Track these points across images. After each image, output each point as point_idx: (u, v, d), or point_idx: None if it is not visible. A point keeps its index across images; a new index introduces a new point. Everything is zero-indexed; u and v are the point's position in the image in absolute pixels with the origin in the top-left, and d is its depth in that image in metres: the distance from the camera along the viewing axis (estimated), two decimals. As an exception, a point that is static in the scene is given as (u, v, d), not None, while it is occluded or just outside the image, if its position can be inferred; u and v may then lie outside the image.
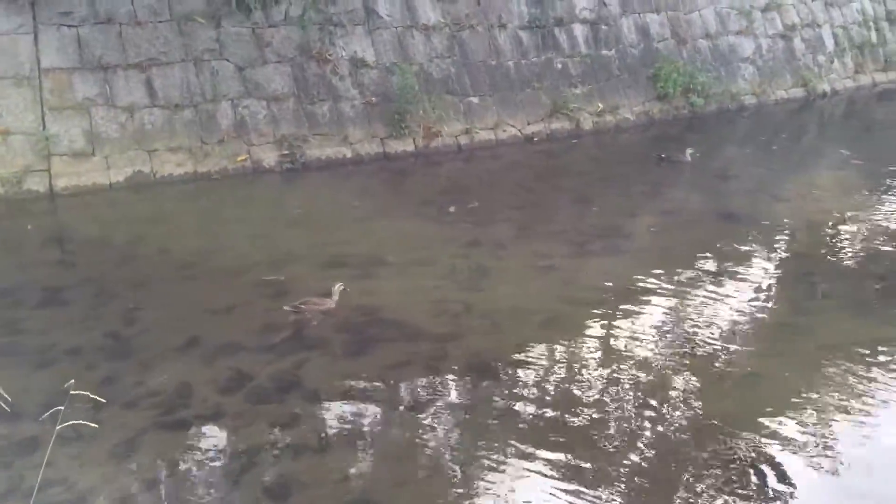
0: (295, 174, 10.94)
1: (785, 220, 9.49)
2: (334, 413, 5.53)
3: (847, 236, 9.01)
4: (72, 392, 3.42)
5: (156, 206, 9.78)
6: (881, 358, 6.25)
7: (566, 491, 4.70)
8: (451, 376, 5.98)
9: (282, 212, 9.87)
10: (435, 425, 5.39)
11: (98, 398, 3.78)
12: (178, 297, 7.27)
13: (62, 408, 3.47)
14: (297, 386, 5.81)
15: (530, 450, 5.08)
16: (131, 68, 10.49)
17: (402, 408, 5.59)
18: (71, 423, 3.55)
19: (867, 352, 6.33)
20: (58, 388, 5.60)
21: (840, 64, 17.57)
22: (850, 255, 8.51)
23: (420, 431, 5.33)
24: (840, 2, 17.98)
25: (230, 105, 10.96)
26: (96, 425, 4.12)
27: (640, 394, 5.77)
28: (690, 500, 4.67)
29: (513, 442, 5.17)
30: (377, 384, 5.84)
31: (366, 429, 5.38)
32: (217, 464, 4.97)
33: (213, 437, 5.24)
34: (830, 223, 9.40)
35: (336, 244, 8.49)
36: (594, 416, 5.49)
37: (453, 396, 5.75)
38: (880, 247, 8.62)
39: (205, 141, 10.70)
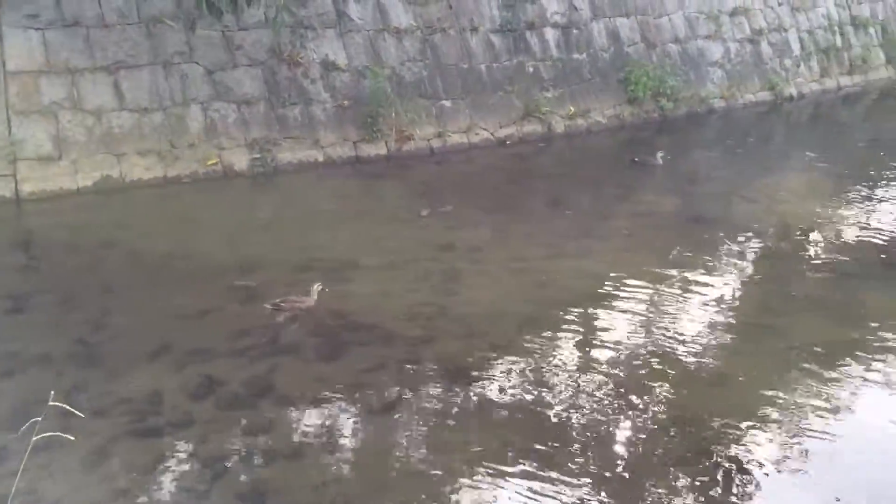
0: (266, 178, 10.86)
1: (753, 222, 9.62)
2: (308, 418, 5.49)
3: (814, 238, 9.16)
4: (50, 403, 3.37)
5: (125, 211, 9.64)
6: (847, 358, 6.36)
7: (540, 492, 4.71)
8: (425, 379, 5.97)
9: (253, 216, 9.79)
10: (409, 429, 5.38)
11: (75, 411, 3.74)
12: (148, 302, 7.18)
13: (39, 419, 3.42)
14: (269, 391, 5.76)
15: (505, 451, 5.09)
16: (99, 71, 10.35)
17: (376, 412, 5.56)
18: (48, 434, 3.50)
19: (834, 352, 6.44)
20: (26, 397, 5.54)
21: (806, 68, 17.88)
22: (817, 256, 8.65)
23: (394, 435, 5.31)
24: (806, 6, 18.29)
25: (200, 108, 10.85)
26: (72, 437, 4.04)
27: (612, 394, 5.81)
28: (662, 500, 4.71)
29: (488, 444, 5.17)
30: (351, 388, 5.82)
31: (340, 433, 5.35)
32: (190, 471, 4.90)
33: (186, 444, 5.17)
34: (798, 225, 9.54)
35: (308, 248, 8.44)
36: (568, 416, 5.52)
37: (428, 400, 5.74)
38: (846, 248, 8.77)
39: (174, 145, 10.58)
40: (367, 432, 5.39)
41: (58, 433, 3.73)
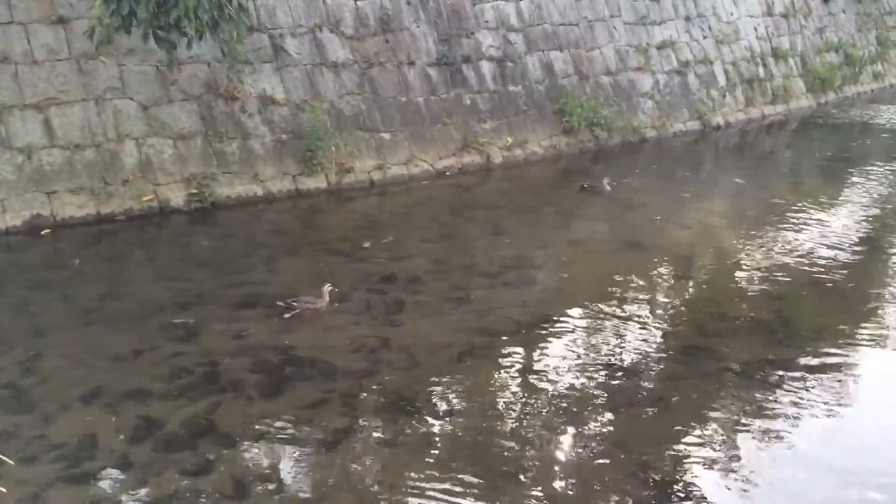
0: (204, 213, 10.71)
1: (687, 247, 9.91)
2: (251, 457, 5.40)
3: (745, 261, 9.47)
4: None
5: (56, 250, 9.38)
6: (779, 377, 6.58)
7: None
8: (369, 413, 5.94)
9: (191, 252, 9.63)
10: (354, 463, 5.34)
11: (5, 458, 3.60)
12: (80, 344, 6.97)
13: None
14: (210, 431, 5.65)
15: (449, 483, 5.09)
16: (28, 108, 10.11)
17: (320, 447, 5.50)
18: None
19: (767, 371, 6.65)
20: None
21: (732, 98, 18.59)
22: (748, 278, 8.95)
23: (340, 471, 5.26)
24: (730, 39, 19.08)
25: (135, 144, 10.67)
26: (3, 489, 3.89)
27: (555, 421, 5.88)
28: (608, 524, 4.77)
29: (432, 476, 5.17)
30: (294, 424, 5.75)
31: (284, 471, 5.27)
32: (126, 517, 4.76)
33: (122, 488, 5.02)
34: (729, 249, 9.87)
35: (248, 283, 8.34)
36: (511, 445, 5.55)
37: (372, 433, 5.71)
38: (776, 270, 9.10)
39: (108, 181, 10.37)
40: (311, 469, 5.33)
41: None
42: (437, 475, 5.17)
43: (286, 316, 7.41)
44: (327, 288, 7.57)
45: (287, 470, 5.28)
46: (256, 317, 7.47)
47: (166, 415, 5.79)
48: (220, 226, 10.50)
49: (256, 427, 5.68)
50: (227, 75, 11.44)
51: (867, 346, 7.20)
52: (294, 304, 7.45)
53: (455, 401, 6.12)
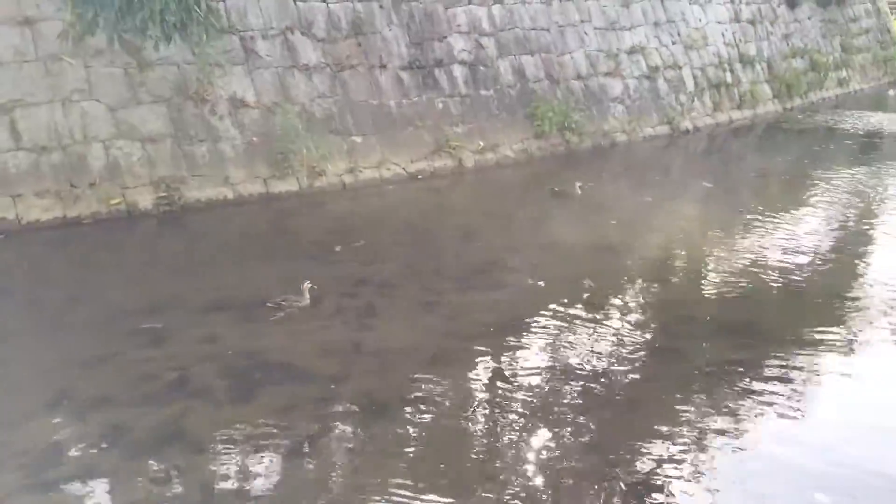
0: (174, 217, 10.60)
1: (657, 250, 10.01)
2: (220, 464, 5.34)
3: (713, 263, 9.60)
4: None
5: (20, 254, 9.22)
6: (747, 378, 6.67)
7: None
8: (341, 417, 5.91)
9: (159, 256, 9.53)
10: (327, 469, 5.31)
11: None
12: (46, 349, 6.86)
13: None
14: (178, 437, 5.58)
15: (421, 487, 5.09)
16: (-8, 110, 9.94)
17: (291, 453, 5.46)
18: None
19: (735, 372, 6.74)
20: None
21: (700, 103, 18.84)
22: (716, 280, 9.07)
23: (311, 477, 5.23)
24: (698, 45, 19.34)
25: (102, 147, 10.53)
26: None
27: (527, 424, 5.90)
28: (578, 526, 4.80)
29: (405, 481, 5.16)
30: (265, 430, 5.70)
31: (254, 477, 5.22)
32: (92, 526, 4.69)
33: (88, 497, 4.94)
34: (698, 251, 9.98)
35: (218, 287, 8.27)
36: (483, 448, 5.57)
37: (344, 438, 5.68)
38: (743, 272, 9.22)
39: (75, 184, 10.21)
40: (282, 475, 5.28)
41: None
42: (409, 479, 5.16)
43: (280, 315, 7.49)
44: (306, 286, 7.72)
45: (257, 476, 5.23)
46: (226, 321, 7.40)
47: (133, 421, 5.71)
48: (189, 229, 10.40)
49: (226, 433, 5.63)
50: (197, 77, 11.34)
51: (831, 348, 7.33)
52: (283, 303, 7.57)
53: (427, 404, 6.11)
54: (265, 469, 5.31)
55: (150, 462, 5.28)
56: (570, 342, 7.27)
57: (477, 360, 6.88)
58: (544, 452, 5.56)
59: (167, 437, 5.57)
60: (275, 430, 5.69)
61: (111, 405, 5.93)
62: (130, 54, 9.32)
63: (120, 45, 9.02)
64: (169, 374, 6.40)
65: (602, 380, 6.59)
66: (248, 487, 5.10)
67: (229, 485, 5.11)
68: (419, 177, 13.14)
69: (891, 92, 25.13)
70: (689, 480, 5.29)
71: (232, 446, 5.50)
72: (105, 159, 10.51)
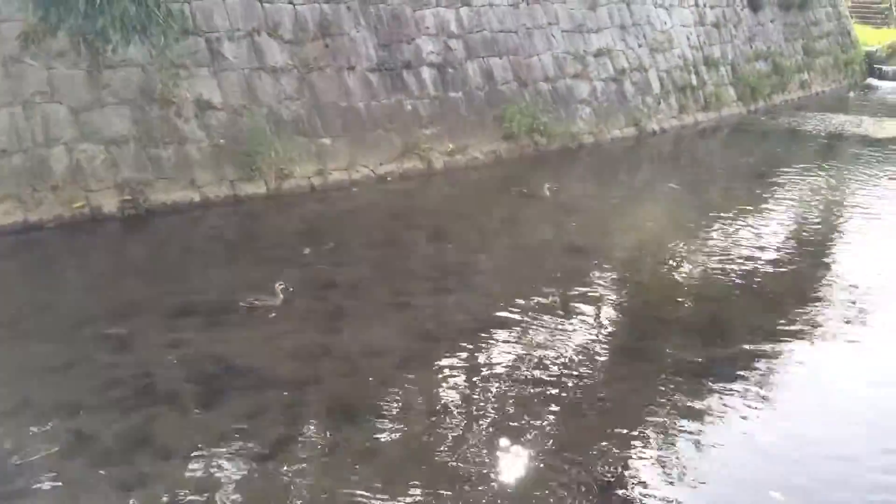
0: (139, 220, 10.44)
1: (625, 251, 10.11)
2: (187, 470, 5.27)
3: (679, 264, 9.71)
4: None
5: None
6: (713, 377, 6.76)
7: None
8: (310, 422, 5.88)
9: (124, 260, 9.39)
10: (295, 474, 5.27)
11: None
12: (8, 356, 6.73)
13: None
14: (145, 444, 5.50)
15: (392, 491, 5.07)
16: (-50, 112, 9.71)
17: (260, 459, 5.41)
18: None
19: (702, 371, 6.83)
20: None
21: (666, 105, 19.05)
22: (682, 281, 9.17)
23: (280, 483, 5.18)
24: (664, 48, 19.55)
25: (65, 149, 10.34)
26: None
27: (497, 426, 5.91)
28: (549, 526, 4.82)
29: (375, 484, 5.14)
30: (233, 436, 5.64)
31: (223, 484, 5.16)
32: (56, 536, 4.60)
33: (51, 506, 4.86)
34: (664, 253, 10.09)
35: (185, 292, 8.16)
36: (454, 451, 5.56)
37: (313, 442, 5.65)
38: (709, 273, 9.35)
39: (36, 188, 10.01)
40: (251, 481, 5.23)
41: None
42: (380, 483, 5.15)
43: (254, 313, 7.58)
44: (279, 286, 7.76)
45: (226, 482, 5.17)
46: (193, 326, 7.32)
47: (98, 428, 5.62)
48: (155, 233, 10.26)
49: (193, 440, 5.56)
50: (162, 79, 11.20)
51: (796, 346, 7.45)
52: (256, 302, 7.62)
53: (397, 407, 6.10)
54: (233, 475, 5.25)
55: (116, 469, 5.19)
56: (539, 343, 7.30)
57: (447, 363, 6.88)
58: (514, 454, 5.58)
59: (133, 443, 5.48)
60: (243, 436, 5.64)
61: (76, 412, 5.83)
62: (93, 56, 9.16)
63: (84, 47, 8.88)
64: (135, 381, 6.31)
65: (573, 380, 6.63)
66: (216, 494, 5.04)
67: (197, 491, 5.04)
68: (388, 179, 13.10)
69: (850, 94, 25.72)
70: (655, 480, 5.34)
71: (199, 452, 5.43)
72: (68, 162, 10.32)
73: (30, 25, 9.15)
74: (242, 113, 11.83)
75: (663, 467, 5.47)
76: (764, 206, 12.50)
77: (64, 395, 6.06)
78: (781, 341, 7.51)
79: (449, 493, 5.08)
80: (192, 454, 5.41)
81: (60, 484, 5.03)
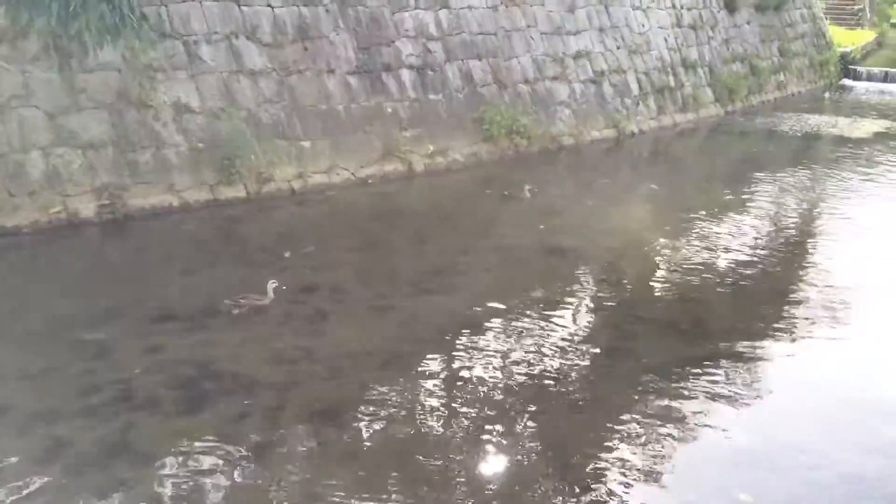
0: (117, 225, 10.35)
1: (606, 252, 10.16)
2: (167, 476, 5.23)
3: (660, 264, 9.78)
4: None
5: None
6: (693, 375, 6.82)
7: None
8: (292, 425, 5.85)
9: (103, 265, 9.30)
10: (278, 479, 5.24)
11: None
12: (-16, 364, 6.64)
13: None
14: (125, 450, 5.46)
15: (375, 493, 5.07)
16: (-77, 116, 9.58)
17: (242, 464, 5.39)
18: None
19: (682, 370, 6.88)
20: None
21: (645, 106, 19.19)
22: (663, 281, 9.24)
23: (262, 486, 5.16)
24: (642, 50, 19.69)
25: (41, 154, 10.23)
26: None
27: (479, 427, 5.92)
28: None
29: (358, 487, 5.13)
30: (214, 441, 5.61)
31: (204, 490, 5.13)
32: (34, 544, 4.55)
33: (29, 514, 4.80)
34: (645, 253, 10.16)
35: (164, 297, 8.11)
36: (436, 453, 5.57)
37: (295, 446, 5.63)
38: (689, 273, 9.42)
39: (12, 193, 9.90)
40: (233, 486, 5.20)
41: None
42: (363, 486, 5.14)
43: (234, 312, 7.54)
44: (271, 284, 7.76)
45: (207, 488, 5.14)
46: (173, 330, 7.27)
47: (77, 435, 5.57)
48: (133, 237, 10.18)
49: (173, 445, 5.52)
50: (139, 83, 11.11)
51: (774, 345, 7.54)
52: (241, 300, 7.58)
53: (379, 410, 6.09)
54: (215, 481, 5.22)
55: (95, 476, 5.14)
56: (522, 344, 7.33)
57: (429, 364, 6.88)
58: (498, 455, 5.59)
59: (113, 449, 5.44)
60: (225, 441, 5.60)
61: (54, 418, 5.77)
62: (67, 60, 9.08)
63: (54, 51, 8.81)
64: (114, 386, 6.26)
65: (554, 380, 6.66)
66: (197, 500, 5.00)
67: (178, 498, 5.01)
68: (369, 182, 13.09)
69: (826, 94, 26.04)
70: (628, 480, 5.38)
71: (180, 458, 5.40)
72: (44, 167, 10.22)
73: (1, 28, 9.05)
74: (221, 116, 11.77)
75: (637, 469, 5.50)
76: (743, 206, 12.62)
77: (42, 400, 6.00)
78: (759, 341, 7.59)
79: (430, 494, 5.09)
80: (172, 461, 5.37)
81: (38, 491, 4.97)
